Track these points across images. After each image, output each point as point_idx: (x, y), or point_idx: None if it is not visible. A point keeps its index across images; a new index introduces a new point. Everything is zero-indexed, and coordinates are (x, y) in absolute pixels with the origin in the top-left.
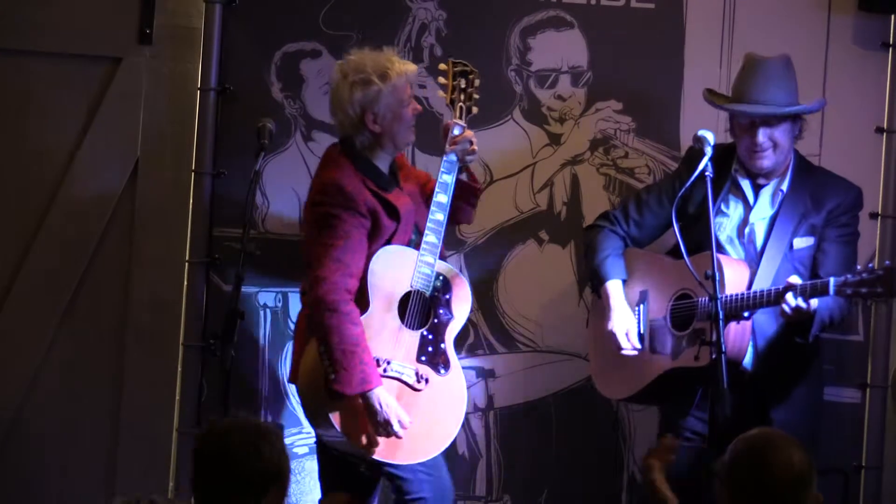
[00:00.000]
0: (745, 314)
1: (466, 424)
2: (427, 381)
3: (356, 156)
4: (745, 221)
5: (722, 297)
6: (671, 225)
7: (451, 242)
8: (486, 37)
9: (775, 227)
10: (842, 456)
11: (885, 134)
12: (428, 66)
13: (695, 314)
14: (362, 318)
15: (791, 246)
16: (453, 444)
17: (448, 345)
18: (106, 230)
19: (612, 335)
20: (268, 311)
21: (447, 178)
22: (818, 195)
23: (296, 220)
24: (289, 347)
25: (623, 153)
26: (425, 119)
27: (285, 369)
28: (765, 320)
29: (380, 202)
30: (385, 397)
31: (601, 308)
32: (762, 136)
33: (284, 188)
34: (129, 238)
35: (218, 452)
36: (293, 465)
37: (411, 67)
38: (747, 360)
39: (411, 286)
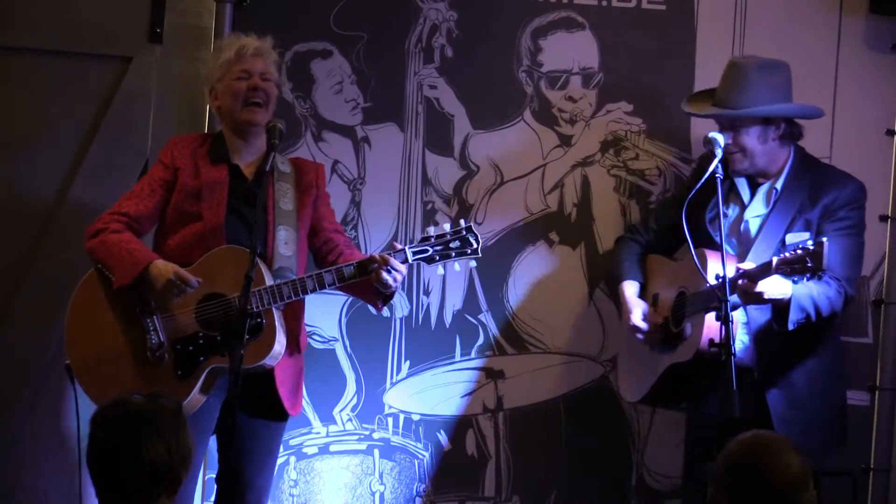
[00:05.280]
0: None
1: (475, 425)
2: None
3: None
4: (739, 219)
5: (729, 299)
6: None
7: None
8: (497, 38)
9: (767, 223)
10: (850, 458)
11: (895, 136)
12: (439, 66)
13: (685, 310)
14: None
15: (783, 242)
16: (462, 444)
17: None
18: None
19: (632, 326)
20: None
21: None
22: (815, 191)
23: None
24: None
25: (634, 155)
26: (436, 120)
27: None
28: (759, 314)
29: (193, 166)
30: (163, 265)
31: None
32: (725, 139)
33: None
34: None
35: (100, 446)
36: (302, 465)
37: (247, 42)
38: (741, 353)
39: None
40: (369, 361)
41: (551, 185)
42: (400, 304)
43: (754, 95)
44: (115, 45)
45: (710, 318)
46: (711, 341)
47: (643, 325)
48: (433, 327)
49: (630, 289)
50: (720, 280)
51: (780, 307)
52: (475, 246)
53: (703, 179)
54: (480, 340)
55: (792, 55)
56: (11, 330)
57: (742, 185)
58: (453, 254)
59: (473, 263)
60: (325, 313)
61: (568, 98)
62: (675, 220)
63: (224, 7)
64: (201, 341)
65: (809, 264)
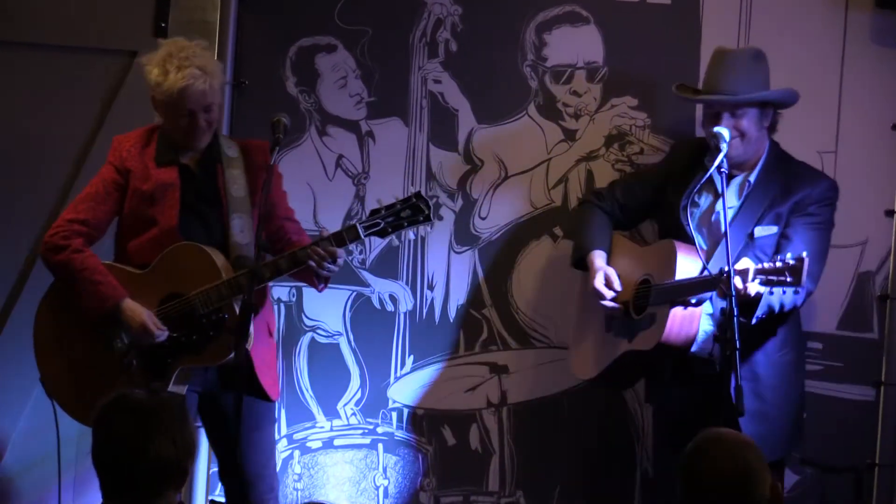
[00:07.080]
0: (692, 300)
1: (479, 420)
2: None
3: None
4: (711, 210)
5: (724, 296)
6: (649, 213)
7: (466, 238)
8: (501, 32)
9: (738, 216)
10: (855, 454)
11: None
12: (443, 61)
13: (650, 299)
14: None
15: (752, 235)
16: (466, 438)
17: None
18: None
19: (595, 291)
20: (281, 305)
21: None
22: (789, 185)
23: (310, 215)
24: (302, 341)
25: (638, 149)
26: (440, 115)
27: (300, 363)
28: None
29: (143, 168)
30: (131, 312)
31: (585, 281)
32: (726, 124)
33: (299, 183)
34: None
35: (106, 443)
36: (306, 459)
37: (193, 83)
38: (701, 343)
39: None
40: (373, 356)
41: (555, 180)
42: (404, 299)
43: (753, 81)
44: (119, 40)
45: (676, 311)
46: (716, 336)
47: (606, 291)
48: (437, 322)
49: (600, 259)
50: (724, 275)
51: (749, 302)
52: (426, 212)
53: (708, 173)
54: (484, 335)
55: (797, 50)
56: (14, 327)
57: (716, 176)
58: (405, 223)
59: (429, 230)
60: (329, 308)
61: (572, 92)
62: (641, 200)
63: (229, 1)
64: (166, 343)
65: (789, 279)
